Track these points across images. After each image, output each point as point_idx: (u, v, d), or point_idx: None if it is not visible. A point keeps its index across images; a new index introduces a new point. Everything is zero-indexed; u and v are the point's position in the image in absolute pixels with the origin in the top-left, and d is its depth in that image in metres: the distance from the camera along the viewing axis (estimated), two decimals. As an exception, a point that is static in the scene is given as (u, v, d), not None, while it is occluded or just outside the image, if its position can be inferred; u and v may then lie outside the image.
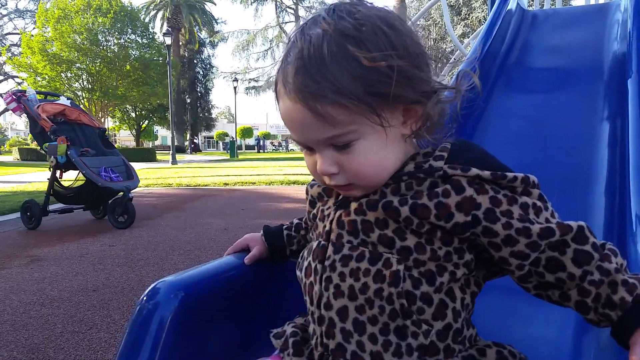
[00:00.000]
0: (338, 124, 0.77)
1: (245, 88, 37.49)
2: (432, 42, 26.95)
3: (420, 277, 0.80)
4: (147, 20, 42.41)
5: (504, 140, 2.29)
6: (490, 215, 0.78)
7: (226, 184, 10.58)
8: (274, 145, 60.01)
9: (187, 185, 10.62)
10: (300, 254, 0.97)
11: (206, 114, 51.42)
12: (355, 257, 0.83)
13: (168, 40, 22.25)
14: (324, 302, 0.84)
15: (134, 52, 31.68)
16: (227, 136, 52.89)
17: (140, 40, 32.12)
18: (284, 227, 1.19)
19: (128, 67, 30.54)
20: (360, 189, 0.84)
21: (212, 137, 64.69)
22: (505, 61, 2.85)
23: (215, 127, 60.02)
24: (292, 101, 0.78)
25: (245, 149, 54.78)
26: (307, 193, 1.03)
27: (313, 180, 0.99)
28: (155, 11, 46.06)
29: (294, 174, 12.48)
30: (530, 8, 3.88)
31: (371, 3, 0.83)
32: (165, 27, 26.95)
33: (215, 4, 43.89)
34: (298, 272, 0.95)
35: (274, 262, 1.19)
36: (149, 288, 1.00)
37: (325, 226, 0.89)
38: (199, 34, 47.56)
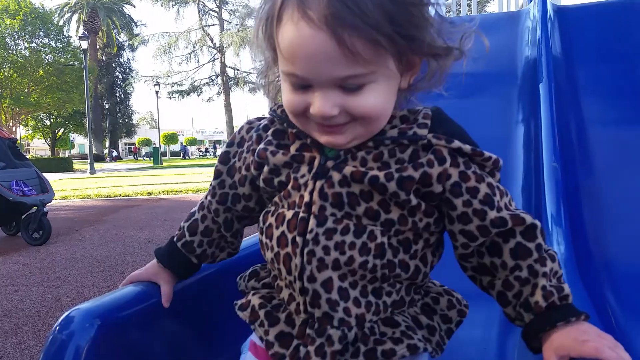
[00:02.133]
0: (362, 62, 0.73)
1: (169, 92, 36.52)
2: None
3: (399, 245, 0.83)
4: (61, 23, 40.37)
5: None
6: (456, 189, 0.81)
7: (150, 194, 10.26)
8: (200, 152, 58.89)
9: (107, 196, 10.24)
10: (264, 220, 0.92)
11: (126, 120, 49.70)
12: (340, 230, 0.82)
13: (84, 44, 21.30)
14: (307, 275, 0.83)
15: (47, 57, 30.25)
16: (147, 145, 51.26)
17: (54, 44, 30.67)
18: (174, 238, 1.08)
19: (41, 72, 29.05)
20: (353, 131, 0.80)
21: (134, 144, 62.53)
22: (426, 67, 2.92)
23: (137, 133, 58.09)
24: (313, 28, 0.71)
25: (170, 156, 53.34)
26: (260, 156, 0.91)
27: (266, 145, 0.90)
28: (70, 14, 43.94)
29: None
30: (447, 14, 4.02)
31: None
32: (81, 31, 25.73)
33: (134, 7, 42.50)
34: (265, 239, 0.90)
35: (186, 278, 1.11)
36: (62, 317, 0.92)
37: (302, 196, 0.85)
38: (118, 37, 45.91)
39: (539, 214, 1.68)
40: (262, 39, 0.84)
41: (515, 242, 0.82)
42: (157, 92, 35.14)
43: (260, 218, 0.93)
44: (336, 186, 0.82)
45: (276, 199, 0.90)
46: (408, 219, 0.83)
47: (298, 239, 0.83)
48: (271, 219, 0.90)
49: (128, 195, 10.19)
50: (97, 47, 43.73)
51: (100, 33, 43.51)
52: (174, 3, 35.19)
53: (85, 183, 14.25)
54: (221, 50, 35.34)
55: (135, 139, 57.12)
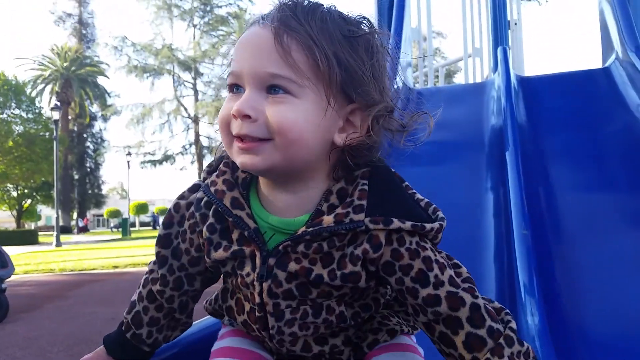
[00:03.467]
0: (292, 67, 0.75)
1: (141, 162, 36.46)
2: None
3: (359, 309, 0.88)
4: (34, 94, 40.48)
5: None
6: (388, 268, 0.79)
7: (116, 267, 9.98)
8: (171, 221, 57.77)
9: (72, 270, 9.94)
10: (223, 299, 0.94)
11: (96, 190, 49.04)
12: (299, 316, 0.84)
13: (56, 115, 21.29)
14: (286, 351, 0.89)
15: (17, 128, 29.99)
16: (116, 216, 50.39)
17: (25, 115, 30.56)
18: (122, 327, 0.99)
19: (10, 143, 28.75)
20: (272, 155, 0.76)
21: (102, 215, 61.34)
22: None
23: (107, 204, 57.20)
24: (262, 28, 0.78)
25: (140, 226, 52.36)
26: (207, 252, 0.86)
27: (210, 233, 0.85)
28: (43, 85, 44.22)
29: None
30: (415, 86, 4.13)
31: None
32: (53, 102, 25.75)
33: (108, 78, 43.06)
34: (228, 313, 0.95)
35: None
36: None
37: (252, 295, 0.84)
38: (90, 108, 46.10)
39: (511, 284, 1.64)
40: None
41: (464, 333, 0.77)
42: (128, 162, 35.01)
43: (219, 295, 0.95)
44: (284, 284, 0.81)
45: (229, 282, 0.91)
46: (362, 292, 0.86)
47: (263, 333, 0.86)
48: (231, 302, 0.92)
49: (94, 269, 9.91)
50: (69, 117, 43.76)
51: (72, 104, 43.68)
52: (148, 75, 35.82)
53: (50, 256, 13.83)
54: (195, 120, 35.77)
55: (104, 210, 56.17)
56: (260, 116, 0.75)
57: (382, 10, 3.84)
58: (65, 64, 43.17)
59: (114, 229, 43.45)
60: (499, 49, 3.20)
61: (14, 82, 30.61)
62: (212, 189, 0.85)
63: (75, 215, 44.62)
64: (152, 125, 36.08)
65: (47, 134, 29.93)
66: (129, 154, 35.20)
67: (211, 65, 36.70)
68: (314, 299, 0.83)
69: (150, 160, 36.56)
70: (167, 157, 36.67)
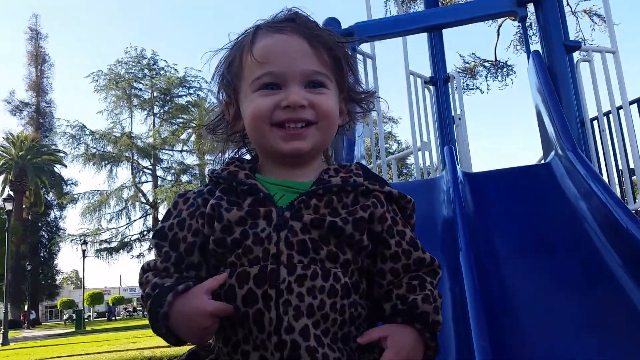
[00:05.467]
0: (325, 64, 0.98)
1: (96, 250, 35.20)
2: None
3: (352, 286, 0.91)
4: (-15, 183, 39.40)
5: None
6: (390, 230, 0.95)
7: None
8: (127, 312, 54.99)
9: None
10: (222, 285, 0.89)
11: (49, 281, 46.86)
12: (309, 275, 0.87)
13: (9, 206, 20.65)
14: (285, 327, 0.84)
15: (-34, 218, 28.80)
16: (70, 307, 47.92)
17: (-26, 205, 29.43)
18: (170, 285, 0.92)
19: (-42, 234, 27.43)
20: (315, 136, 0.97)
21: (56, 307, 58.19)
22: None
23: (60, 294, 54.48)
24: (288, 34, 0.97)
25: (97, 316, 49.80)
26: (214, 218, 0.92)
27: (218, 200, 0.93)
28: (-4, 174, 43.20)
29: (150, 347, 11.28)
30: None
31: None
32: (7, 192, 25.11)
33: (65, 166, 42.34)
34: (229, 302, 0.88)
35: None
36: None
37: (266, 249, 0.88)
38: (46, 196, 44.96)
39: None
40: (224, 85, 1.03)
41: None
42: (83, 252, 33.82)
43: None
44: (299, 234, 0.89)
45: (232, 258, 0.90)
46: (358, 259, 0.93)
47: (270, 291, 0.86)
48: (231, 281, 0.89)
49: None
50: (24, 206, 42.49)
51: (27, 192, 42.57)
52: (106, 162, 35.53)
53: None
54: (154, 205, 35.25)
55: (58, 301, 53.41)
56: (310, 103, 0.95)
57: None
58: (20, 153, 42.47)
59: (68, 322, 41.18)
60: (446, 149, 3.41)
61: (-35, 172, 29.81)
62: (225, 172, 0.99)
63: (26, 307, 42.22)
64: (109, 213, 35.31)
65: (-1, 224, 28.90)
66: (85, 242, 34.08)
67: (171, 152, 36.82)
68: (323, 261, 0.89)
69: (106, 248, 35.45)
70: (124, 245, 35.63)
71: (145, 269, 0.97)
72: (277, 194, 0.95)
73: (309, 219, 0.90)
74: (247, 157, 1.11)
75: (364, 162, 4.01)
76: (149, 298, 0.90)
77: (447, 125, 4.52)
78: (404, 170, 25.96)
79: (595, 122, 4.07)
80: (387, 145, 28.85)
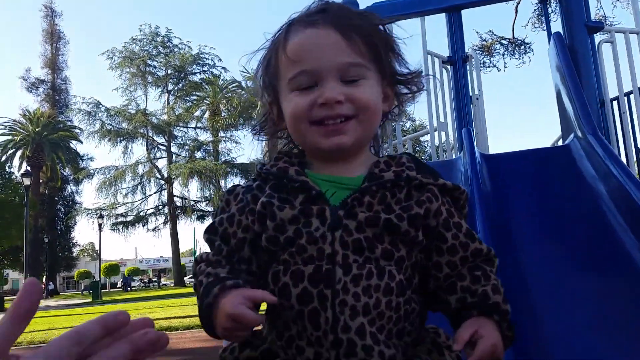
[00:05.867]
0: (359, 53, 0.93)
1: (112, 224, 35.74)
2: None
3: (407, 282, 0.90)
4: (4, 158, 39.96)
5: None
6: (446, 223, 0.93)
7: None
8: (143, 282, 55.90)
9: (41, 342, 9.31)
10: (274, 281, 0.89)
11: (66, 253, 47.80)
12: (365, 275, 0.86)
13: (27, 182, 20.96)
14: (341, 326, 0.84)
15: (-14, 193, 29.28)
16: (87, 278, 48.84)
17: (-6, 180, 29.94)
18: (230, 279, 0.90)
19: (-22, 208, 27.93)
20: (356, 130, 0.94)
21: (73, 277, 59.38)
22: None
23: (77, 265, 55.55)
24: (320, 27, 0.94)
25: (111, 288, 50.74)
26: (267, 217, 0.90)
27: (269, 198, 0.92)
28: (14, 149, 43.72)
29: (166, 318, 11.47)
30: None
31: None
32: (24, 167, 25.41)
33: (81, 142, 42.74)
34: (280, 300, 0.87)
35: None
36: None
37: (322, 249, 0.87)
38: (62, 171, 45.53)
39: None
40: (264, 87, 1.02)
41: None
42: (100, 225, 34.34)
43: (269, 280, 0.91)
44: (354, 233, 0.88)
45: (285, 256, 0.90)
46: (412, 255, 0.91)
47: (326, 291, 0.85)
48: (285, 278, 0.88)
49: None
50: (41, 181, 43.09)
51: (44, 167, 43.14)
52: (122, 139, 35.78)
53: None
54: (169, 181, 35.57)
55: (75, 272, 54.52)
56: (346, 97, 0.92)
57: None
58: (37, 129, 42.92)
59: (85, 292, 42.04)
60: (464, 130, 3.40)
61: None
62: (274, 168, 0.97)
63: (44, 279, 43.16)
64: (125, 188, 35.71)
65: (17, 198, 29.34)
66: (101, 216, 34.58)
67: (185, 129, 36.99)
68: (378, 259, 0.87)
69: (122, 221, 35.97)
70: (139, 219, 36.13)
71: (197, 261, 0.98)
72: (328, 190, 0.93)
73: (363, 217, 0.88)
74: (295, 150, 1.07)
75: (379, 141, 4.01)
76: (201, 286, 0.90)
77: (465, 105, 4.50)
78: (417, 148, 25.80)
79: (615, 103, 4.03)
80: (401, 124, 28.64)
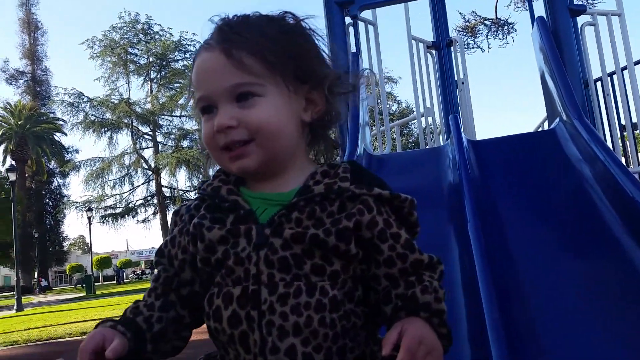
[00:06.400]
0: (250, 72, 0.88)
1: (101, 217, 35.53)
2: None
3: (344, 296, 0.86)
4: (-13, 153, 39.43)
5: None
6: (382, 235, 0.88)
7: (84, 333, 9.12)
8: (136, 275, 55.81)
9: (37, 340, 9.15)
10: (209, 304, 0.89)
11: (57, 248, 47.50)
12: (292, 293, 0.83)
13: (12, 176, 20.66)
14: (269, 348, 0.82)
15: (-30, 189, 28.93)
16: (79, 271, 48.62)
17: (-22, 176, 29.57)
18: (129, 313, 0.96)
19: (-37, 205, 27.65)
20: (258, 151, 0.89)
21: (65, 272, 59.12)
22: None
23: (68, 259, 55.30)
24: (210, 52, 0.91)
25: (104, 281, 50.63)
26: (197, 238, 0.90)
27: (200, 219, 0.91)
28: (-4, 144, 43.15)
29: (161, 310, 11.51)
30: (375, 148, 4.34)
31: None
32: (9, 161, 25.16)
33: (65, 134, 42.22)
34: (214, 324, 0.88)
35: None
36: None
37: (248, 269, 0.86)
38: (48, 164, 45.04)
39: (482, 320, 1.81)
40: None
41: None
42: (89, 218, 34.13)
43: (205, 303, 0.91)
44: (279, 251, 0.85)
45: (218, 278, 0.89)
46: (349, 268, 0.87)
47: (252, 312, 0.84)
48: (217, 301, 0.88)
49: (60, 337, 9.23)
50: (26, 175, 42.65)
51: (29, 161, 42.64)
52: (106, 129, 35.41)
53: (11, 324, 13.05)
54: (156, 171, 35.35)
55: (66, 266, 54.29)
56: (239, 122, 0.88)
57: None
58: (19, 122, 42.32)
59: (78, 286, 41.93)
60: (451, 117, 3.44)
61: (-34, 143, 29.78)
62: (209, 188, 0.96)
63: (36, 274, 42.96)
64: (112, 179, 35.45)
65: (3, 193, 29.06)
66: (90, 209, 34.36)
67: (170, 117, 36.66)
68: (308, 275, 0.84)
69: (111, 214, 35.77)
70: (128, 210, 35.94)
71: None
72: (259, 208, 0.91)
73: (289, 234, 0.85)
74: None
75: (367, 129, 4.04)
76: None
77: (451, 89, 4.53)
78: (404, 130, 25.86)
79: (598, 83, 4.08)
80: (387, 106, 28.62)
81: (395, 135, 5.11)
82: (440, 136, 5.11)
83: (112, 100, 35.60)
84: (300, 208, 0.88)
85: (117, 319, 0.95)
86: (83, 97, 35.11)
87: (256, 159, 0.90)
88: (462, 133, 3.28)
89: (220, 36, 0.91)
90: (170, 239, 0.97)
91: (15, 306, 19.20)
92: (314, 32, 0.97)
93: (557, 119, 3.20)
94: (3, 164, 39.03)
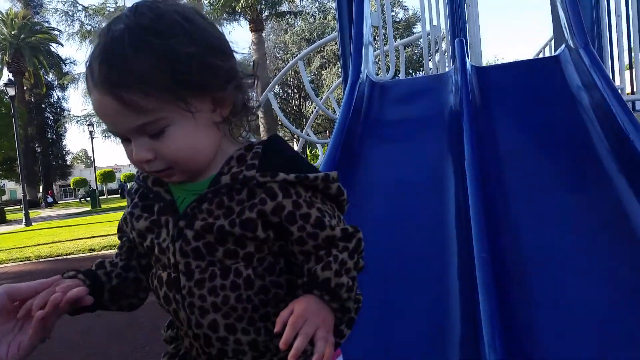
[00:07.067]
0: (146, 111, 0.84)
1: (103, 131, 35.37)
2: (293, 74, 27.77)
3: (264, 271, 0.93)
4: (-19, 66, 38.58)
5: (371, 193, 2.53)
6: (290, 217, 0.90)
7: (92, 250, 9.38)
8: (140, 188, 56.16)
9: (48, 256, 9.34)
10: (150, 282, 1.00)
11: (60, 162, 47.78)
12: (207, 278, 0.91)
13: (11, 91, 20.29)
14: (194, 323, 0.93)
15: (-30, 104, 28.69)
16: (83, 185, 49.19)
17: (-23, 91, 29.21)
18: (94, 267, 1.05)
19: (-36, 121, 27.55)
20: (180, 173, 0.92)
21: (69, 186, 59.94)
22: (367, 119, 3.11)
23: (72, 173, 55.88)
24: (100, 93, 0.85)
25: (108, 195, 51.41)
26: (127, 224, 1.00)
27: (133, 208, 0.99)
28: (-8, 55, 42.11)
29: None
30: (379, 74, 4.24)
31: (173, 1, 0.92)
32: (5, 74, 24.63)
33: (62, 45, 41.14)
34: (157, 300, 0.99)
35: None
36: None
37: (169, 258, 0.94)
38: (46, 77, 44.27)
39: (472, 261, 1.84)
40: None
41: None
42: (91, 132, 34.06)
43: (149, 281, 1.02)
44: (192, 242, 0.91)
45: (152, 261, 1.00)
46: (264, 247, 0.92)
47: (177, 296, 0.93)
48: (155, 282, 0.99)
49: (69, 254, 9.40)
50: (25, 88, 42.01)
51: (27, 74, 41.87)
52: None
53: (21, 239, 13.35)
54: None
55: (70, 180, 55.00)
56: (156, 155, 0.88)
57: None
58: (13, 32, 41.09)
59: (83, 200, 42.65)
60: (456, 41, 3.33)
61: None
62: (142, 175, 1.00)
63: (41, 188, 43.61)
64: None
65: (3, 108, 28.84)
66: (91, 123, 34.20)
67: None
68: (222, 260, 0.91)
69: (113, 128, 35.60)
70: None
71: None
72: (179, 197, 0.96)
73: (199, 226, 0.90)
74: None
75: (370, 50, 3.94)
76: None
77: (458, 5, 4.37)
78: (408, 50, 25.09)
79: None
80: (393, 14, 27.62)
81: (400, 54, 4.99)
82: (446, 55, 4.98)
83: (108, 8, 34.34)
84: (209, 199, 0.91)
85: (81, 269, 1.03)
86: (77, 4, 33.85)
87: (180, 176, 0.93)
88: (467, 58, 3.20)
89: (104, 77, 0.84)
90: (123, 218, 1.03)
91: (23, 221, 19.59)
92: (209, 30, 0.91)
93: (563, 45, 3.11)
94: (0, 77, 38.33)
